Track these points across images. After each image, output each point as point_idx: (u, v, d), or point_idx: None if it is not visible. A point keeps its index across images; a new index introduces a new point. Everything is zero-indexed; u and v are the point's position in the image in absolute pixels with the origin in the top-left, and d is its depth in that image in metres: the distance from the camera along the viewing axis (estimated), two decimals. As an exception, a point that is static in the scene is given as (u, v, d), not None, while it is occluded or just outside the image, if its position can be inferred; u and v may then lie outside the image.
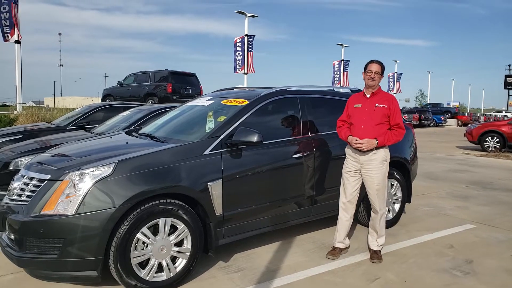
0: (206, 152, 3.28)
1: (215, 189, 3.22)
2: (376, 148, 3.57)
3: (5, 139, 6.67)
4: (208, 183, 3.19)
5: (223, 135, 3.41)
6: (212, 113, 3.77)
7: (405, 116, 27.89)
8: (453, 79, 64.10)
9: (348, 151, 3.75)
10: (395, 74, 40.27)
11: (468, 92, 74.73)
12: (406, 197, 4.82)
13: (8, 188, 3.32)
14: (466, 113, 44.51)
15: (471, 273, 3.50)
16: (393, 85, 39.95)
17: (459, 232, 4.64)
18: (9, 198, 3.14)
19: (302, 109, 4.05)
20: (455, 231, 4.66)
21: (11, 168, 4.99)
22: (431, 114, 33.46)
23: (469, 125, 16.28)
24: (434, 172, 8.98)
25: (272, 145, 3.70)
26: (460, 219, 5.13)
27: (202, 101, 4.25)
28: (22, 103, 16.34)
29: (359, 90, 4.45)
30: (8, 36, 15.94)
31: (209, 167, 3.24)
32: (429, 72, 55.90)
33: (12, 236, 2.92)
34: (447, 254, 3.92)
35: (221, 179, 3.26)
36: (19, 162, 4.99)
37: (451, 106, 47.76)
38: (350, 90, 4.72)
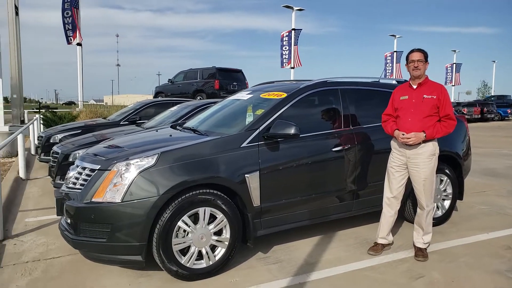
0: (244, 144, 3.33)
1: (253, 180, 3.27)
2: (424, 141, 3.43)
3: (66, 134, 7.23)
4: (246, 175, 3.25)
5: (261, 128, 3.44)
6: (252, 107, 3.82)
7: (464, 110, 26.25)
8: (522, 68, 59.42)
9: (394, 144, 3.63)
10: (454, 65, 37.99)
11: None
12: (458, 194, 4.58)
13: (65, 177, 3.59)
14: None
15: (529, 276, 3.27)
16: (452, 77, 37.77)
17: (520, 233, 4.33)
18: (66, 186, 3.39)
19: (344, 101, 3.98)
20: (515, 231, 4.36)
21: (71, 159, 5.38)
22: (495, 107, 31.14)
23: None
24: (495, 168, 8.41)
25: (311, 138, 3.68)
26: (521, 219, 4.78)
27: (242, 95, 4.32)
28: (83, 101, 17.45)
29: (405, 81, 4.29)
30: (71, 39, 17.12)
31: (247, 159, 3.30)
32: (494, 61, 52.21)
33: (69, 221, 3.16)
34: (503, 256, 3.66)
35: (258, 171, 3.31)
36: (77, 154, 5.36)
37: (520, 98, 44.21)
38: (396, 81, 4.55)
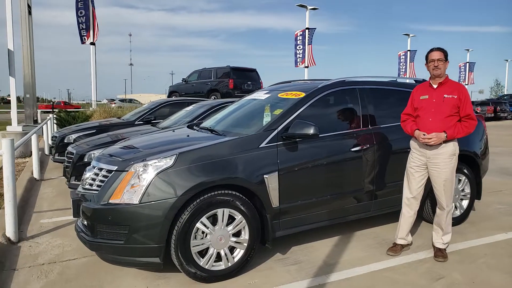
0: (262, 145, 3.31)
1: (271, 181, 3.24)
2: (445, 141, 3.38)
3: (81, 134, 7.25)
4: (264, 175, 3.22)
5: (279, 128, 3.41)
6: (269, 107, 3.79)
7: (478, 109, 25.94)
8: (536, 66, 58.53)
9: (413, 144, 3.58)
10: (467, 64, 37.65)
11: (554, 81, 67.70)
12: (476, 193, 4.51)
13: (82, 178, 3.60)
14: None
15: (550, 277, 3.20)
16: (465, 76, 37.43)
17: (538, 232, 4.25)
18: (82, 187, 3.39)
19: (362, 101, 3.93)
20: (533, 231, 4.28)
21: (86, 160, 5.39)
22: (508, 106, 30.72)
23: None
24: (510, 167, 8.28)
25: (330, 138, 3.64)
26: (540, 219, 4.69)
27: (260, 95, 4.29)
28: (97, 101, 17.57)
29: (424, 81, 4.22)
30: (84, 38, 17.23)
31: (265, 159, 3.27)
32: (507, 60, 51.43)
33: (85, 222, 3.15)
34: (523, 256, 3.62)
35: (277, 172, 3.28)
36: (93, 154, 5.38)
37: (533, 97, 43.54)
38: (414, 80, 4.49)
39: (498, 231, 4.25)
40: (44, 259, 3.60)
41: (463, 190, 4.40)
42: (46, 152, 10.48)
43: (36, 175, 7.20)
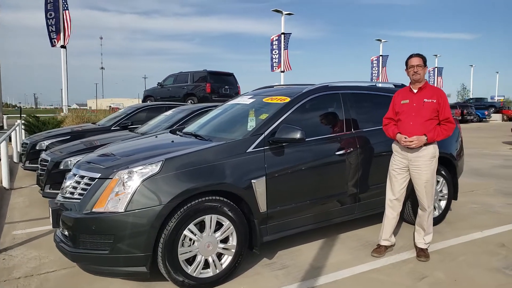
0: (250, 149, 3.30)
1: (259, 186, 3.23)
2: (425, 144, 3.47)
3: (54, 140, 7.00)
4: (252, 180, 3.21)
5: (266, 133, 3.42)
6: (254, 111, 3.78)
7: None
8: (497, 72, 61.37)
9: (395, 147, 3.66)
10: (436, 69, 39.04)
11: (514, 85, 70.97)
12: (453, 194, 4.65)
13: (61, 186, 3.47)
14: (512, 107, 42.25)
15: (527, 273, 3.34)
16: (434, 80, 38.75)
17: (511, 230, 4.43)
18: (62, 196, 3.26)
19: (345, 105, 3.99)
20: (506, 229, 4.46)
21: (61, 167, 5.22)
22: (474, 109, 32.06)
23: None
24: (480, 168, 8.61)
25: (315, 142, 3.67)
26: (511, 217, 4.89)
27: (244, 100, 4.28)
28: (67, 106, 17.07)
29: (402, 85, 4.33)
30: (54, 41, 16.70)
31: (253, 164, 3.26)
32: (472, 65, 53.69)
33: (66, 232, 3.04)
34: (498, 253, 3.75)
35: (264, 176, 3.27)
36: (69, 162, 5.22)
37: (496, 101, 45.49)
38: (394, 85, 4.60)
39: (474, 229, 4.40)
40: (20, 273, 3.43)
41: (441, 191, 4.53)
42: (15, 159, 10.05)
43: (5, 184, 6.88)
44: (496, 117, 35.05)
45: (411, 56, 3.55)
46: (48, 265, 3.57)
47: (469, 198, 5.84)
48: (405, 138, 3.46)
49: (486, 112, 33.65)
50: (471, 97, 46.56)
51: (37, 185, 5.97)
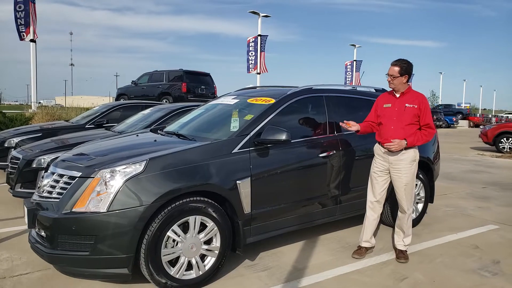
0: (235, 150, 3.27)
1: (244, 187, 3.21)
2: (406, 148, 3.53)
3: (24, 137, 6.73)
4: (237, 181, 3.18)
5: (251, 134, 3.40)
6: (238, 112, 3.76)
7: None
8: (464, 80, 63.73)
9: (377, 150, 3.71)
10: (407, 75, 39.99)
11: (479, 93, 74.05)
12: (429, 197, 4.77)
13: (38, 185, 3.33)
14: (478, 114, 43.98)
15: (499, 273, 3.46)
16: (405, 86, 39.74)
17: (483, 232, 4.58)
18: (38, 195, 3.14)
19: (328, 108, 4.02)
20: (479, 231, 4.61)
21: (34, 166, 5.03)
22: (443, 115, 33.14)
23: (484, 126, 16.10)
24: (452, 172, 8.89)
25: (299, 144, 3.68)
26: (483, 220, 5.07)
27: (227, 100, 4.24)
28: (37, 102, 16.47)
29: (383, 90, 4.41)
30: (23, 35, 16.09)
31: (238, 165, 3.24)
32: (441, 73, 55.50)
33: (43, 233, 2.92)
34: (473, 255, 3.87)
35: (249, 178, 3.25)
36: (42, 160, 5.03)
37: (462, 107, 47.23)
38: (374, 89, 4.68)
39: (449, 232, 4.53)
40: (-8, 275, 3.28)
41: (418, 194, 4.63)
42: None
43: (-29, 182, 6.58)
44: (463, 124, 36.41)
45: (391, 64, 3.57)
46: (21, 267, 3.42)
47: (442, 201, 6.01)
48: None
49: (454, 119, 34.89)
50: (440, 103, 48.06)
51: (6, 184, 5.71)
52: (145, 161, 2.92)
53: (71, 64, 77.70)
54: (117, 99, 16.61)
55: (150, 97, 14.47)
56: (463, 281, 3.29)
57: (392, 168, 3.61)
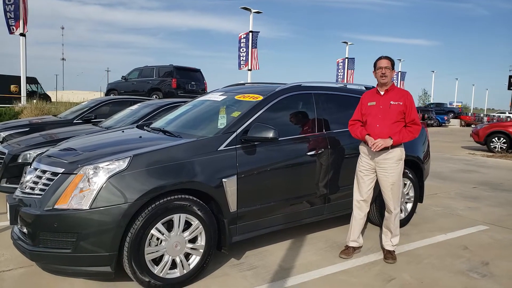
0: (221, 147, 3.22)
1: (230, 185, 3.17)
2: (392, 146, 3.51)
3: (11, 132, 6.61)
4: (223, 179, 3.13)
5: (238, 131, 3.35)
6: (225, 108, 3.70)
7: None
8: (457, 79, 64.24)
9: (362, 149, 3.68)
10: (399, 73, 40.17)
11: (471, 92, 74.51)
12: (419, 196, 4.75)
13: (20, 181, 3.26)
14: (470, 113, 44.33)
15: (488, 275, 3.44)
16: (397, 84, 39.87)
17: (473, 233, 4.57)
18: (21, 191, 3.08)
19: (317, 106, 3.98)
20: (468, 232, 4.60)
21: (20, 161, 4.94)
22: (434, 114, 33.34)
23: (475, 125, 16.19)
24: (442, 172, 8.91)
25: (286, 142, 3.64)
26: (472, 220, 5.07)
27: (215, 96, 4.18)
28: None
29: (373, 87, 4.37)
30: (13, 28, 15.87)
31: (224, 163, 3.19)
32: (433, 71, 55.66)
33: (25, 230, 2.87)
34: (462, 256, 3.85)
35: (235, 175, 3.21)
36: (28, 155, 4.95)
37: (454, 106, 47.55)
38: (364, 87, 4.64)
39: (438, 232, 4.52)
40: (-27, 272, 3.22)
41: (407, 193, 4.61)
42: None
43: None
44: (455, 122, 36.61)
45: (380, 58, 3.57)
46: (3, 264, 3.37)
47: (432, 201, 6.01)
48: (371, 140, 3.48)
49: (445, 117, 35.09)
50: (432, 101, 48.32)
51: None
52: (129, 158, 2.86)
53: (63, 59, 76.75)
54: (107, 94, 16.51)
55: (140, 93, 14.40)
56: (452, 283, 3.28)
57: (378, 168, 3.58)
